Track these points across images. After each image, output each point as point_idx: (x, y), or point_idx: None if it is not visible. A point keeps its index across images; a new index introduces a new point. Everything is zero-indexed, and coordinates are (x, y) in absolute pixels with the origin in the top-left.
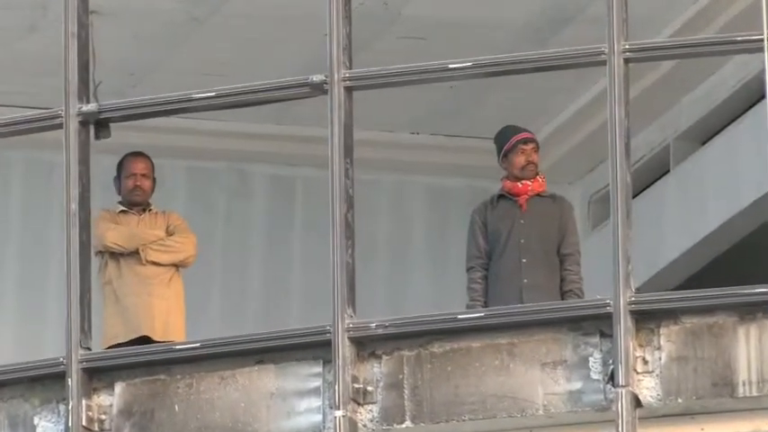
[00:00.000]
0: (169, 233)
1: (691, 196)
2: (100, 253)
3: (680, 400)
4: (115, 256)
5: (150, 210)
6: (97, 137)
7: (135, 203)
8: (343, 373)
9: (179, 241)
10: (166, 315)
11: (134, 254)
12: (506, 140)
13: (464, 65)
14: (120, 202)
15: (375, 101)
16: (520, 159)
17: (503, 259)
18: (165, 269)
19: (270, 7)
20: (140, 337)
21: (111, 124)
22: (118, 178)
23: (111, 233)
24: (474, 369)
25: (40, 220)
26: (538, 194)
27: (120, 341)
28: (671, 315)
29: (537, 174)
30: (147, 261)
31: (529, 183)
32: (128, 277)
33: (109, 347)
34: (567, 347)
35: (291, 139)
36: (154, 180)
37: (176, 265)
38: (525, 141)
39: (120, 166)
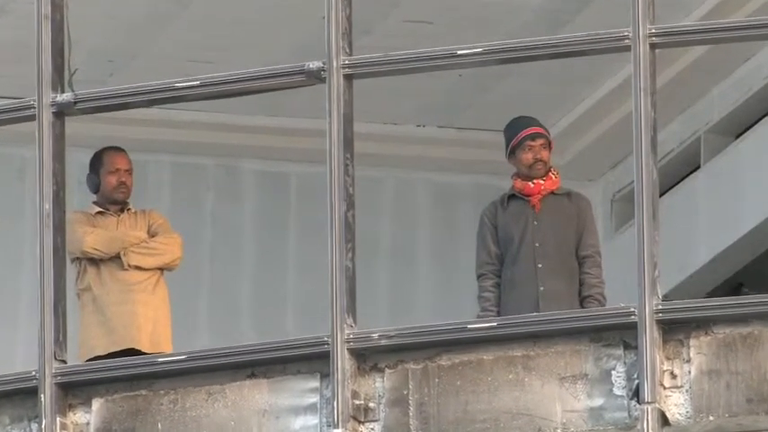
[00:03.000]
0: (151, 234)
1: (723, 194)
2: (77, 259)
3: (711, 418)
4: (95, 261)
5: (129, 209)
6: None
7: (117, 202)
8: (342, 388)
9: (163, 242)
10: (153, 324)
11: (115, 258)
12: (514, 134)
13: (474, 51)
14: (95, 202)
15: (377, 90)
16: (527, 156)
17: (516, 265)
18: (149, 274)
19: None
20: (125, 350)
21: (88, 116)
22: (95, 174)
23: (91, 237)
24: (486, 384)
25: (10, 222)
26: (552, 192)
27: (99, 353)
28: (701, 325)
29: (547, 171)
30: (130, 265)
31: (541, 181)
32: (109, 284)
33: (87, 361)
34: (588, 360)
35: (285, 132)
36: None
37: (161, 269)
38: (533, 137)
39: (98, 161)
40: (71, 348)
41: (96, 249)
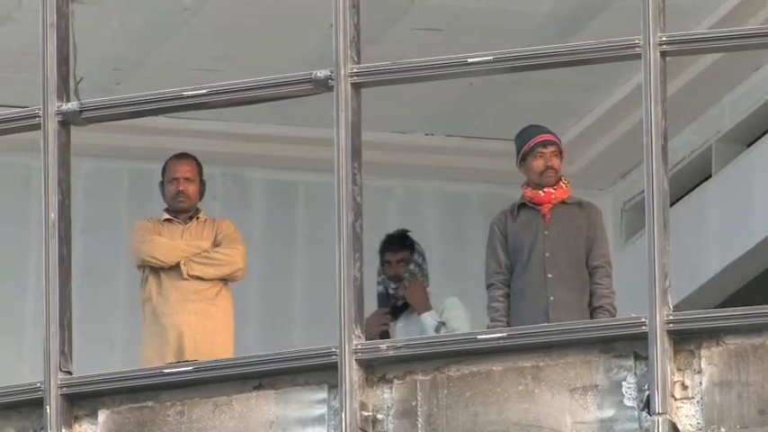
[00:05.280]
0: (216, 244)
1: (734, 203)
2: (141, 268)
3: (723, 430)
4: (156, 270)
5: (198, 218)
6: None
7: (180, 210)
8: (350, 399)
9: (225, 253)
10: (213, 335)
11: (175, 268)
12: (525, 141)
13: (484, 59)
14: (165, 210)
15: (385, 99)
16: (538, 164)
17: (526, 275)
18: (210, 284)
19: None
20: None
21: (94, 125)
22: (162, 184)
23: (147, 246)
24: (495, 395)
25: (16, 231)
26: (563, 202)
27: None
28: (713, 335)
29: (558, 180)
30: (190, 275)
31: (552, 190)
32: (168, 294)
33: None
34: (599, 371)
35: (293, 140)
36: (203, 183)
37: (224, 280)
38: (545, 144)
39: (163, 169)
40: (136, 362)
41: (154, 258)
